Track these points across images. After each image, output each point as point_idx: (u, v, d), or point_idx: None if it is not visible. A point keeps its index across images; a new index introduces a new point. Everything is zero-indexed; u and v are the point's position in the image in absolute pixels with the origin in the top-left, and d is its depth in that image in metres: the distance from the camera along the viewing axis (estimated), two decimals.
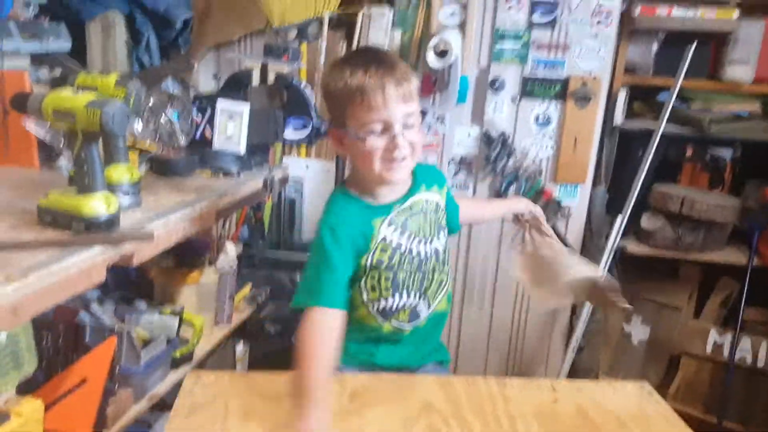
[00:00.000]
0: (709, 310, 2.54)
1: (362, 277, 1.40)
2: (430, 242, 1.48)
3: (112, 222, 1.23)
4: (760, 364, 2.29)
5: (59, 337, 1.42)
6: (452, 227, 1.59)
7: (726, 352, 2.32)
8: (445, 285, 1.53)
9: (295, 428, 1.14)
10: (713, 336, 2.38)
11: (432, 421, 1.20)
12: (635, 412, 1.27)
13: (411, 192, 1.45)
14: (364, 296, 1.43)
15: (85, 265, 1.15)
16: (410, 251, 1.44)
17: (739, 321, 2.28)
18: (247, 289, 2.26)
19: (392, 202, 1.43)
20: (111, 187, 1.30)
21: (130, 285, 1.87)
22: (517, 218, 1.66)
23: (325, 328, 1.30)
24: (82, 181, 1.22)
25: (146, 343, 1.57)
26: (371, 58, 1.32)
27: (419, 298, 1.48)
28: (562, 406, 1.28)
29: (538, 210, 1.65)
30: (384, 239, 1.41)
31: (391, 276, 1.43)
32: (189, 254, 1.99)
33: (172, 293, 1.88)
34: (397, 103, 1.29)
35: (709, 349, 2.38)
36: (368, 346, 1.50)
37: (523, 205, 1.67)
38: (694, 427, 1.21)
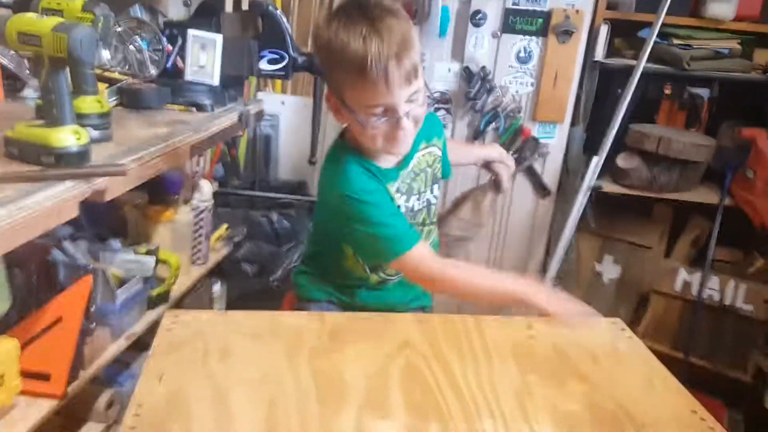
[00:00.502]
0: (679, 250, 2.59)
1: None
2: (424, 195, 1.46)
3: (82, 155, 1.19)
4: (727, 302, 2.36)
5: (32, 276, 1.39)
6: (445, 172, 1.58)
7: (694, 290, 2.38)
8: (431, 235, 1.53)
9: (530, 298, 1.32)
10: (682, 275, 2.43)
11: (411, 357, 1.21)
12: (608, 347, 1.30)
13: (413, 151, 1.40)
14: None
15: (56, 201, 1.11)
16: (409, 210, 1.42)
17: (708, 260, 2.33)
18: (223, 229, 2.24)
19: (398, 167, 1.39)
20: (80, 119, 1.25)
21: (102, 223, 1.83)
22: (488, 165, 1.68)
23: (427, 259, 1.33)
24: (50, 112, 1.17)
25: (122, 282, 1.55)
26: (370, 21, 1.19)
27: None
28: (537, 341, 1.31)
29: (510, 160, 1.67)
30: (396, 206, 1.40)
31: None
32: (162, 192, 1.95)
33: (146, 232, 1.85)
34: (401, 86, 1.20)
35: (678, 287, 2.43)
36: (352, 290, 1.50)
37: (497, 152, 1.67)
38: (662, 363, 1.25)
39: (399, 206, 1.39)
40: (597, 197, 2.37)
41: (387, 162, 1.37)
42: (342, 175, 1.32)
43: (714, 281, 2.37)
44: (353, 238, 1.37)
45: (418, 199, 1.44)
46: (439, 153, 1.50)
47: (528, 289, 1.34)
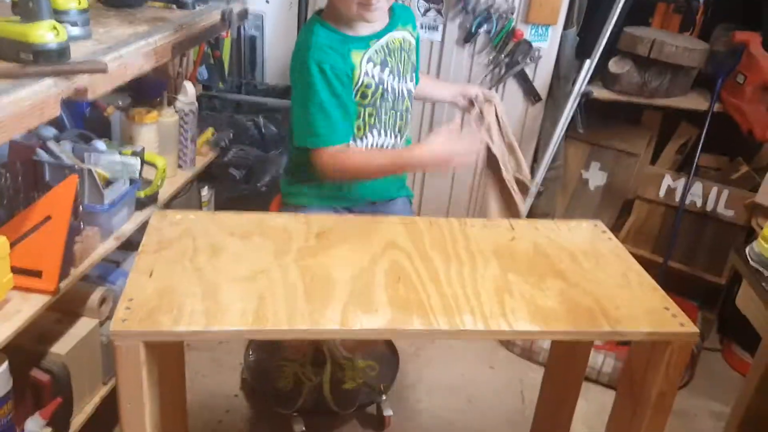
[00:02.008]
0: (665, 156, 2.60)
1: None
2: (405, 81, 1.49)
3: (62, 52, 1.16)
4: (709, 207, 2.40)
5: (18, 176, 1.39)
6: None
7: (678, 196, 2.41)
8: (409, 125, 1.56)
9: (416, 167, 1.46)
10: (667, 181, 2.46)
11: (395, 257, 1.24)
12: (587, 247, 1.34)
13: (388, 28, 1.45)
14: None
15: (37, 98, 1.10)
16: (388, 89, 1.45)
17: (693, 166, 2.35)
18: (209, 133, 2.21)
19: (369, 35, 1.41)
20: (57, 16, 1.21)
21: (86, 125, 1.80)
22: (471, 102, 1.64)
23: (340, 153, 1.40)
24: (26, 7, 1.13)
25: (108, 183, 1.55)
26: None
27: (394, 137, 1.51)
28: (519, 243, 1.34)
29: (494, 96, 1.63)
30: (367, 74, 1.42)
31: (374, 113, 1.45)
32: (146, 92, 1.91)
33: (130, 134, 1.82)
34: None
35: (662, 193, 2.47)
36: (344, 183, 1.53)
37: (476, 89, 1.66)
38: (641, 266, 1.29)
39: (370, 74, 1.43)
40: (587, 103, 2.35)
41: (361, 31, 1.42)
42: (307, 39, 1.38)
43: (697, 187, 2.40)
44: (292, 114, 1.45)
45: (395, 79, 1.46)
46: (413, 42, 1.54)
47: (415, 159, 1.42)
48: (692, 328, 1.09)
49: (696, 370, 2.25)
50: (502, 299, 1.13)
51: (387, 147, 1.52)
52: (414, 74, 1.55)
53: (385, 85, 1.45)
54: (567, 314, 1.10)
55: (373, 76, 1.43)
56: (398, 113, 1.50)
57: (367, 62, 1.42)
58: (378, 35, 1.44)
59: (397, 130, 1.52)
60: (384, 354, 2.06)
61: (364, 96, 1.43)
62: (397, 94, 1.48)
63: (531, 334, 1.09)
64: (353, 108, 1.42)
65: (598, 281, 1.21)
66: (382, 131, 1.49)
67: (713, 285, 2.43)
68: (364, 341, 1.84)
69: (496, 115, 1.61)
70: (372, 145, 1.50)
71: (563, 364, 1.55)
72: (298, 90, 1.40)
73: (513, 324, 1.07)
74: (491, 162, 1.58)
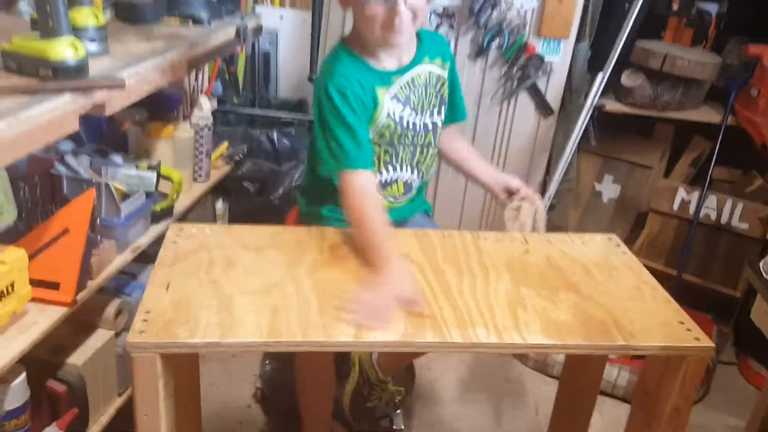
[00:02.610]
0: (679, 169, 2.60)
1: None
2: (430, 115, 1.45)
3: (80, 68, 1.18)
4: (723, 220, 2.39)
5: (36, 189, 1.41)
6: (462, 112, 1.56)
7: (692, 209, 2.40)
8: (435, 159, 1.53)
9: (379, 283, 1.16)
10: (681, 194, 2.45)
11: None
12: (601, 260, 1.34)
13: (414, 62, 1.41)
14: None
15: (56, 114, 1.12)
16: (408, 126, 1.42)
17: (708, 179, 2.34)
18: (223, 147, 2.24)
19: (394, 71, 1.38)
20: (76, 32, 1.24)
21: (103, 139, 1.83)
22: (511, 193, 1.50)
23: (363, 188, 1.30)
24: (45, 25, 1.16)
25: (125, 196, 1.57)
26: None
27: (412, 171, 1.48)
28: (532, 256, 1.34)
29: (537, 198, 1.48)
30: (389, 114, 1.38)
31: (391, 152, 1.43)
32: (162, 107, 1.94)
33: (147, 148, 1.85)
34: None
35: (676, 206, 2.46)
36: None
37: (520, 183, 1.50)
38: (655, 279, 1.28)
39: (392, 115, 1.39)
40: (599, 116, 2.35)
41: (386, 63, 1.38)
42: (331, 65, 1.35)
43: (712, 200, 2.39)
44: (316, 141, 1.37)
45: (418, 116, 1.43)
46: (445, 75, 1.48)
47: (384, 268, 1.21)
48: (707, 342, 1.09)
49: (711, 384, 2.23)
50: (515, 312, 1.13)
51: (403, 181, 1.49)
52: (443, 108, 1.48)
53: (404, 123, 1.41)
54: (580, 327, 1.10)
55: (394, 115, 1.39)
56: (417, 147, 1.46)
57: (392, 99, 1.38)
58: (402, 71, 1.39)
59: (414, 163, 1.48)
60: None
61: (381, 135, 1.40)
62: (418, 129, 1.44)
63: (545, 348, 1.09)
64: (364, 131, 1.36)
65: (612, 294, 1.20)
66: (398, 167, 1.47)
67: (728, 298, 2.41)
68: (401, 363, 1.78)
69: (534, 218, 1.46)
70: (387, 180, 1.47)
71: (577, 377, 1.55)
72: (323, 113, 1.33)
73: (526, 337, 1.07)
74: None
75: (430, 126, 1.46)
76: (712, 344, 1.09)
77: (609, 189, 2.69)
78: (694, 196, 2.40)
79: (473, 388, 2.18)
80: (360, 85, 1.33)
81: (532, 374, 2.27)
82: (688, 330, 1.12)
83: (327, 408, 1.68)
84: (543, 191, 2.53)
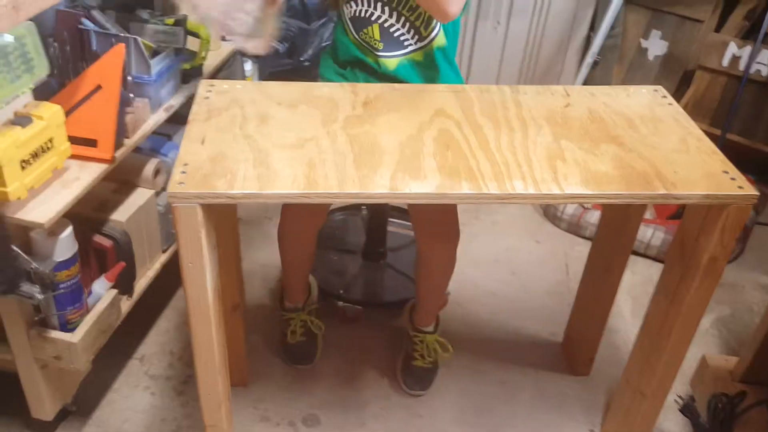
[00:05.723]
0: (731, 23, 2.43)
1: None
2: None
3: None
4: None
5: (65, 44, 1.38)
6: None
7: (742, 65, 2.28)
8: (417, 10, 1.34)
9: None
10: (732, 49, 2.31)
11: (444, 125, 1.22)
12: (646, 113, 1.29)
13: None
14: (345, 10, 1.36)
15: None
16: None
17: (761, 32, 2.19)
18: None
19: None
20: None
21: None
22: None
23: None
24: None
25: (154, 53, 1.54)
26: None
27: (383, 10, 1.35)
28: (573, 109, 1.30)
29: None
30: None
31: None
32: None
33: (172, 2, 1.78)
34: None
35: (725, 62, 2.33)
36: (355, 71, 1.45)
37: None
38: None
39: None
40: None
41: None
42: None
43: (764, 55, 2.25)
44: None
45: None
46: None
47: None
48: (751, 190, 1.06)
49: (747, 244, 2.22)
50: (554, 165, 1.11)
51: (378, 24, 1.36)
52: None
53: None
54: (621, 179, 1.08)
55: None
56: None
57: None
58: None
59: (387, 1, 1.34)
60: None
61: None
62: None
63: (583, 198, 1.08)
64: None
65: (655, 146, 1.17)
66: None
67: None
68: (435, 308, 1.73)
69: None
70: (357, 14, 1.37)
71: (612, 234, 1.54)
72: None
73: (565, 188, 1.05)
74: None
75: None
76: (755, 192, 1.06)
77: (656, 45, 2.55)
78: (746, 51, 2.27)
79: (504, 249, 2.22)
80: None
81: (565, 235, 2.29)
82: (732, 179, 1.09)
83: (305, 267, 1.69)
84: (586, 47, 2.41)
